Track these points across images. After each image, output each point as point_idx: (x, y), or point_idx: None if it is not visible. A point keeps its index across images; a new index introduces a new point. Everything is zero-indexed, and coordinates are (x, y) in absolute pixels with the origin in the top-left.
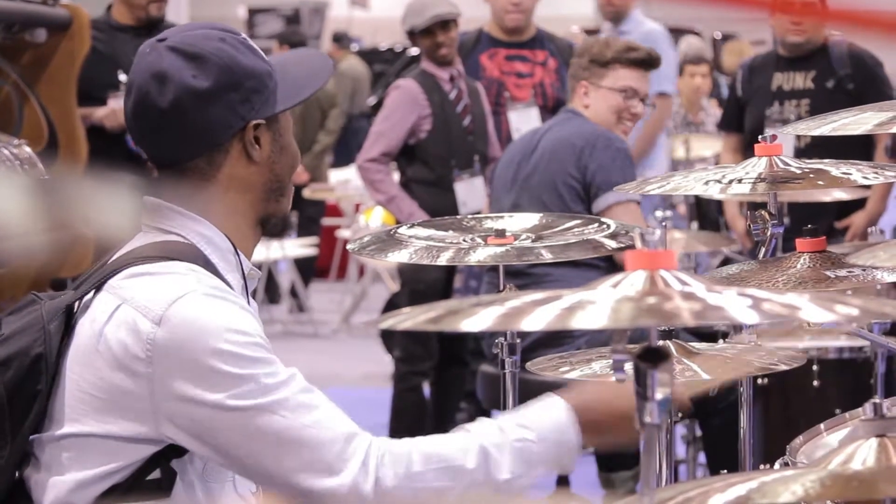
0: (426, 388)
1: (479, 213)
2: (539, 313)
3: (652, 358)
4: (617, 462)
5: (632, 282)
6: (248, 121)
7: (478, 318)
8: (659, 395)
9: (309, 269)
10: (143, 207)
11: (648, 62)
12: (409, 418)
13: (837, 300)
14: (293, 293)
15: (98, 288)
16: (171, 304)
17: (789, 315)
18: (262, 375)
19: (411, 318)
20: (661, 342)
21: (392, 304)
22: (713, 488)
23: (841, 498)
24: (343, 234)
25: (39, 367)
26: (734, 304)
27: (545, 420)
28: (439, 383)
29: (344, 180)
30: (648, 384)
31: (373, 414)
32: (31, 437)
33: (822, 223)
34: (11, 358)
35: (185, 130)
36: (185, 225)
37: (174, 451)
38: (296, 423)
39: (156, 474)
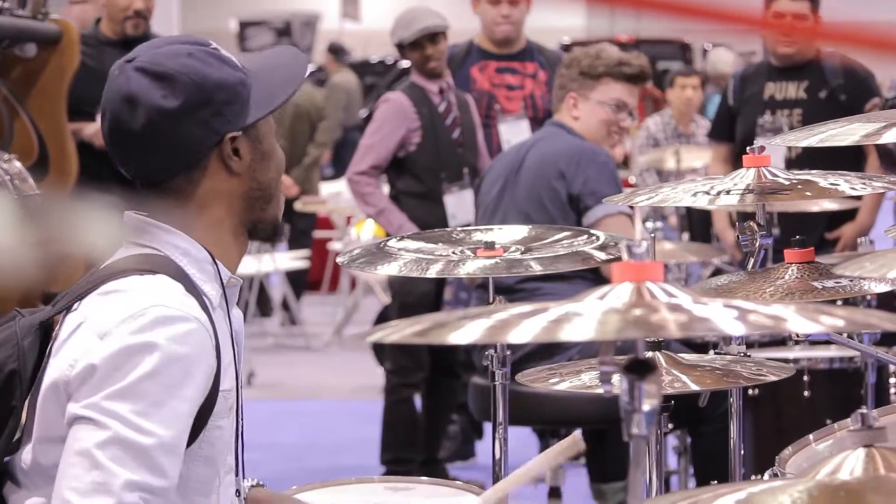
0: (417, 401)
1: (468, 225)
2: (526, 326)
3: (639, 369)
4: (608, 473)
5: (618, 294)
6: (224, 134)
7: (465, 331)
8: (646, 407)
9: (301, 282)
10: (123, 224)
11: (640, 77)
12: (401, 430)
13: (823, 311)
14: (285, 306)
15: (70, 306)
16: (120, 322)
17: (774, 326)
18: (129, 411)
19: (399, 332)
20: (648, 353)
21: (384, 317)
22: (701, 499)
23: None
24: (335, 246)
25: (13, 382)
26: (720, 315)
27: None
28: (430, 395)
29: (335, 193)
30: (636, 395)
31: (364, 426)
32: (5, 457)
33: (812, 234)
34: None
35: (160, 151)
36: (161, 238)
37: None
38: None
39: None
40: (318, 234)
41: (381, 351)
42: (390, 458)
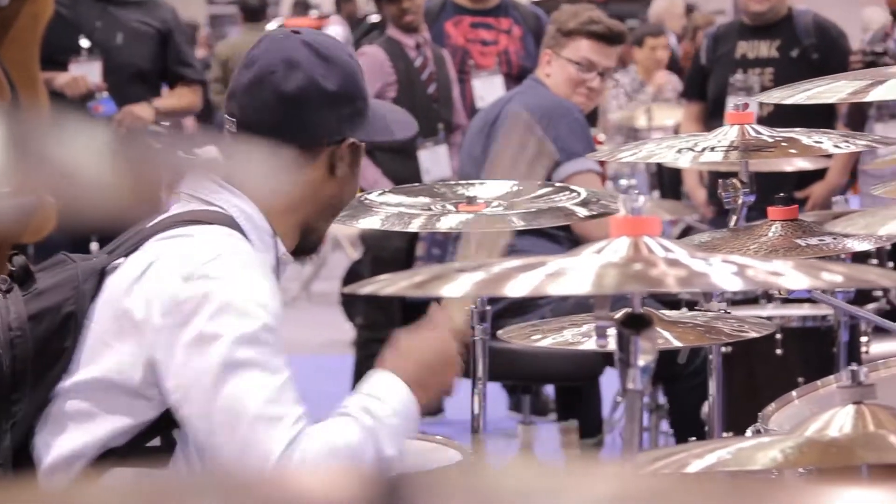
0: None
1: (443, 180)
2: (523, 279)
3: (635, 324)
4: (581, 429)
5: (615, 248)
6: (347, 136)
7: (462, 284)
8: (642, 362)
9: None
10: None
11: (609, 37)
12: None
13: (822, 267)
14: None
15: (132, 251)
16: (203, 264)
17: (773, 282)
18: (258, 355)
19: (395, 283)
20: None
21: (353, 272)
22: (692, 454)
23: (819, 464)
24: None
25: (69, 325)
26: (719, 270)
27: (395, 397)
28: None
29: None
30: (631, 350)
31: (333, 381)
32: (49, 394)
33: (782, 194)
34: (44, 313)
35: (294, 120)
36: (227, 199)
37: (175, 419)
38: (256, 399)
39: (155, 442)
40: None
41: (351, 306)
42: None
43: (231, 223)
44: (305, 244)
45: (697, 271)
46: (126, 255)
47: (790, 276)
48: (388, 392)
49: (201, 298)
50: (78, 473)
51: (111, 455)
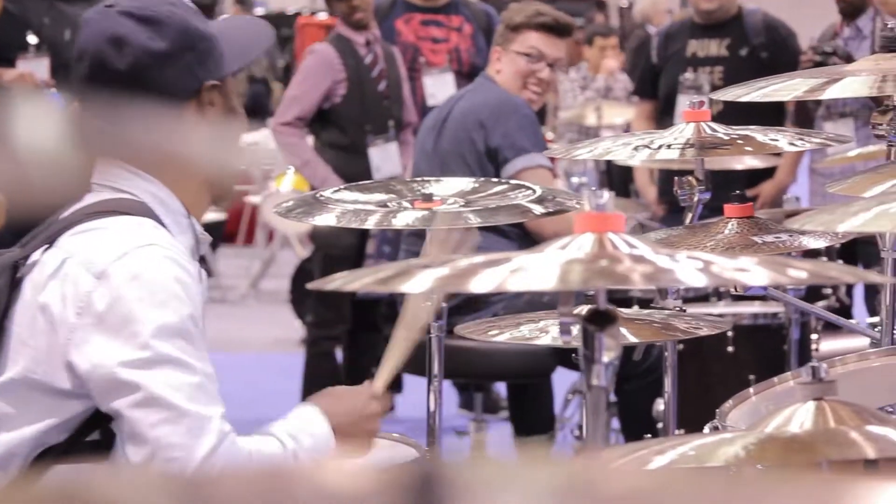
0: (338, 354)
1: (393, 178)
2: (487, 275)
3: (599, 320)
4: (533, 427)
5: (580, 245)
6: (204, 81)
7: (425, 279)
8: (606, 358)
9: (217, 234)
10: (94, 165)
11: (557, 28)
12: (322, 383)
13: (787, 263)
14: (201, 258)
15: (45, 245)
16: (115, 260)
17: (739, 279)
18: (176, 350)
19: (359, 279)
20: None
21: (302, 270)
22: (653, 450)
23: (781, 461)
24: (252, 199)
25: None
26: (684, 267)
27: (317, 431)
28: (352, 348)
29: (252, 144)
30: (596, 346)
31: (282, 379)
32: None
33: (731, 192)
34: None
35: (144, 93)
36: (138, 185)
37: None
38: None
39: (95, 436)
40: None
41: (300, 304)
42: None
43: (144, 210)
44: (220, 193)
45: (663, 267)
46: (40, 250)
47: (756, 272)
48: (312, 425)
49: (115, 296)
50: (14, 473)
51: (50, 452)
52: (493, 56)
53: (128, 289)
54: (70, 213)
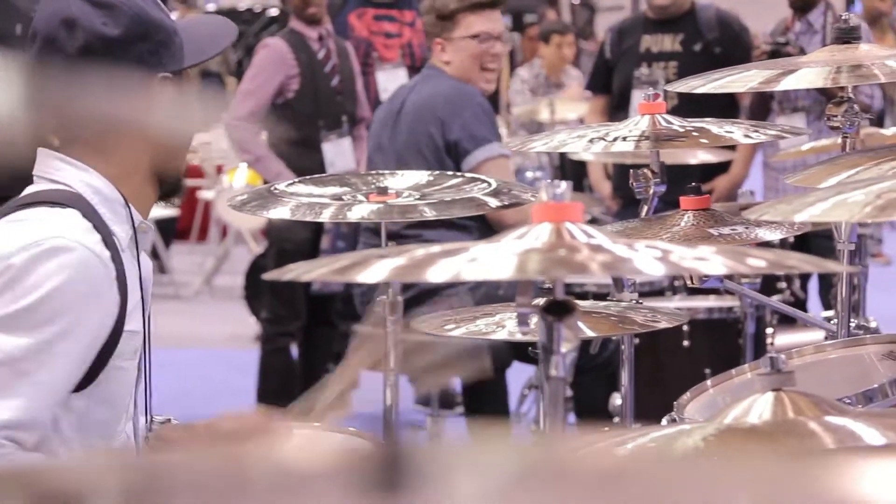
0: (294, 350)
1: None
2: (444, 264)
3: (557, 311)
4: (488, 416)
5: (537, 234)
6: (156, 73)
7: (381, 269)
8: (564, 349)
9: (169, 231)
10: (34, 156)
11: (490, 3)
12: (277, 380)
13: (746, 253)
14: (154, 254)
15: None
16: (18, 249)
17: (697, 267)
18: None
19: (315, 269)
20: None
21: (256, 266)
22: (613, 441)
23: (740, 452)
24: (205, 195)
25: None
26: (642, 256)
27: None
28: (307, 344)
29: (205, 141)
30: (554, 337)
31: (237, 376)
32: None
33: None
34: None
35: (93, 77)
36: (73, 175)
37: None
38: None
39: None
40: (188, 182)
41: (255, 300)
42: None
43: (77, 201)
44: (166, 188)
45: (621, 256)
46: None
47: (714, 261)
48: None
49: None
50: None
51: None
52: (435, 48)
53: (10, 277)
54: (6, 205)
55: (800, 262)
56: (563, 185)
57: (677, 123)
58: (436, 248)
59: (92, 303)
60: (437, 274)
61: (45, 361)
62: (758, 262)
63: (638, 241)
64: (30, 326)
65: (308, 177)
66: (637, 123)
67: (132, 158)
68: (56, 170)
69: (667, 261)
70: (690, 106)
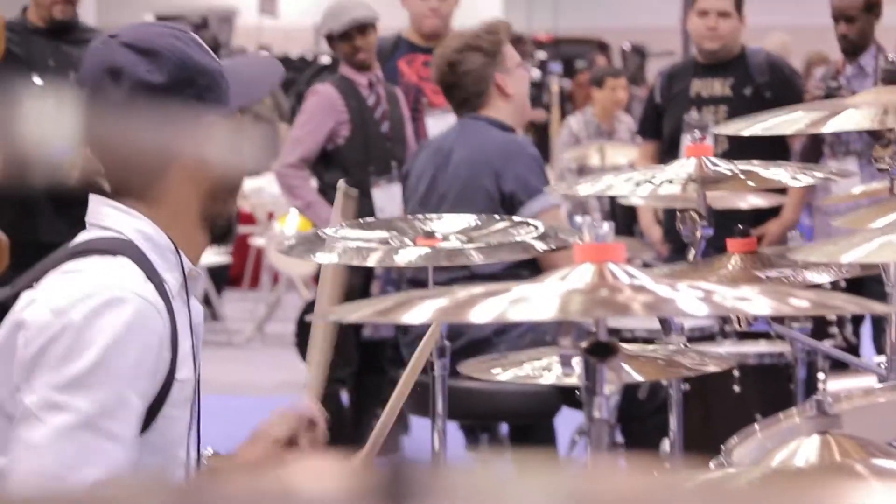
0: (344, 396)
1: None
2: (487, 305)
3: (600, 352)
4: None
5: (579, 275)
6: (204, 117)
7: (425, 310)
8: (607, 390)
9: (221, 278)
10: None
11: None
12: (328, 426)
13: (789, 293)
14: (206, 301)
15: (30, 285)
16: (75, 301)
17: (740, 308)
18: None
19: (359, 310)
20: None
21: (307, 313)
22: (660, 486)
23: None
24: (256, 241)
25: None
26: (685, 296)
27: None
28: (357, 391)
29: (257, 188)
30: (597, 379)
31: None
32: None
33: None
34: None
35: (142, 125)
36: (124, 221)
37: None
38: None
39: None
40: (240, 229)
41: (306, 346)
42: None
43: (129, 248)
44: (217, 233)
45: (664, 297)
46: (27, 287)
47: (757, 301)
48: None
49: (57, 333)
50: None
51: None
52: (493, 89)
53: (67, 331)
54: (57, 254)
55: (844, 302)
56: (606, 226)
57: (724, 166)
58: (479, 289)
59: (148, 353)
60: (480, 314)
61: (121, 417)
62: (801, 302)
63: (681, 281)
64: (98, 383)
65: (355, 221)
66: (684, 166)
67: (182, 204)
68: (107, 216)
69: (709, 301)
70: (741, 150)
